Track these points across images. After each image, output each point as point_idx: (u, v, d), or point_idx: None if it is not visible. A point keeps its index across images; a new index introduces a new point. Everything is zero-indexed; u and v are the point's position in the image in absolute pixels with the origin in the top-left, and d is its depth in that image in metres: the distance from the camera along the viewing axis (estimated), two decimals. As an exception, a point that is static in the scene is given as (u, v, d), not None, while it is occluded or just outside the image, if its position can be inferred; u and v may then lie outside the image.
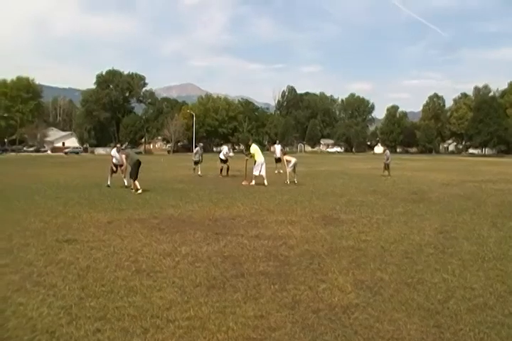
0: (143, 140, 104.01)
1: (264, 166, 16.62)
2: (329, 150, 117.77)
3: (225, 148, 22.12)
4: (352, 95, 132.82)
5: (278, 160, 22.99)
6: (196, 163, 21.62)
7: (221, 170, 20.91)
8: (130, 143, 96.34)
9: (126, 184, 15.14)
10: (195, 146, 22.96)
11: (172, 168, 30.83)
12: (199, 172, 21.21)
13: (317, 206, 10.96)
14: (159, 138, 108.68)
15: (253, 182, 16.36)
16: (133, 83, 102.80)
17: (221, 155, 21.38)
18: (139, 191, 13.37)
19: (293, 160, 17.63)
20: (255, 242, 6.73)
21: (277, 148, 24.10)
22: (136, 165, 14.17)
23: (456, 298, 4.37)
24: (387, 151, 24.55)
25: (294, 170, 17.56)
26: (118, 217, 8.91)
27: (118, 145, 16.45)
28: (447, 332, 3.63)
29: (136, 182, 13.74)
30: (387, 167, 23.08)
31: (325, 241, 6.90)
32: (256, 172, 16.55)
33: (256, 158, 16.82)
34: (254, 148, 17.06)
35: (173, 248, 6.32)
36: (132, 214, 9.40)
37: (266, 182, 16.26)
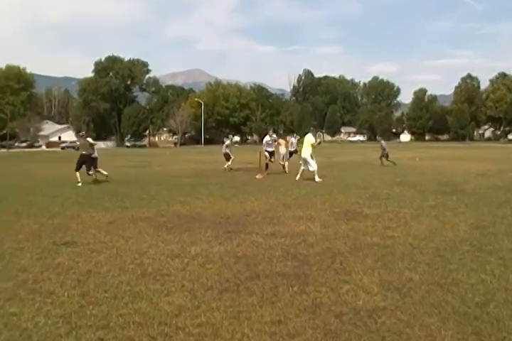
0: (147, 132, 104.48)
1: (308, 162, 16.26)
2: (351, 138, 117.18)
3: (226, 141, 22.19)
4: (375, 78, 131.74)
5: (293, 152, 22.96)
6: (226, 156, 21.44)
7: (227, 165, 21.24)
8: (133, 135, 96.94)
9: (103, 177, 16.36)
10: (223, 141, 22.89)
11: (179, 161, 30.96)
12: (225, 166, 21.01)
13: (338, 200, 10.92)
14: (165, 129, 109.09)
15: (297, 176, 16.18)
16: (135, 70, 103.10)
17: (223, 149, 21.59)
18: (79, 184, 14.96)
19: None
20: (271, 240, 6.72)
21: (294, 141, 23.72)
22: (80, 157, 15.82)
23: (497, 302, 4.28)
24: (382, 141, 24.88)
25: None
26: (121, 216, 8.97)
27: (80, 133, 17.48)
28: (488, 340, 3.56)
29: (78, 174, 15.45)
30: (386, 156, 23.74)
31: (347, 238, 6.86)
32: (304, 167, 16.41)
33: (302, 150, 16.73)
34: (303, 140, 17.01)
35: (181, 248, 6.34)
36: (136, 212, 9.44)
37: (316, 179, 15.72)
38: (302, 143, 16.97)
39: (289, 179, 16.03)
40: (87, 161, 15.89)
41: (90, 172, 16.09)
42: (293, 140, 23.77)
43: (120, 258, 5.90)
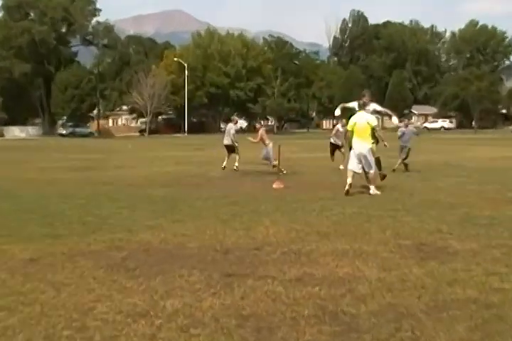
0: (95, 112, 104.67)
1: (367, 160, 15.80)
2: (428, 125, 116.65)
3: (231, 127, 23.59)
4: (472, 24, 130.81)
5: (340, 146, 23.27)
6: (230, 149, 22.77)
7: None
8: (72, 117, 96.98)
9: None
10: (221, 127, 24.28)
11: (148, 160, 31.16)
12: (236, 164, 22.42)
13: (407, 225, 10.92)
14: (124, 108, 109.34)
15: (348, 179, 15.50)
16: (74, 10, 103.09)
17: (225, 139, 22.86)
18: None
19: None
20: (297, 290, 6.72)
21: (341, 130, 23.52)
22: None
23: None
24: (410, 126, 24.80)
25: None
26: (50, 250, 8.99)
27: None
28: None
29: None
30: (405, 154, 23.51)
31: (423, 288, 6.84)
32: (354, 167, 15.86)
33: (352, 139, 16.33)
34: (350, 123, 16.56)
35: (150, 302, 6.35)
36: (77, 243, 9.48)
37: (372, 190, 15.57)
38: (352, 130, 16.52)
39: (325, 189, 15.98)
40: None
41: None
42: (340, 128, 23.83)
43: (47, 320, 5.85)
